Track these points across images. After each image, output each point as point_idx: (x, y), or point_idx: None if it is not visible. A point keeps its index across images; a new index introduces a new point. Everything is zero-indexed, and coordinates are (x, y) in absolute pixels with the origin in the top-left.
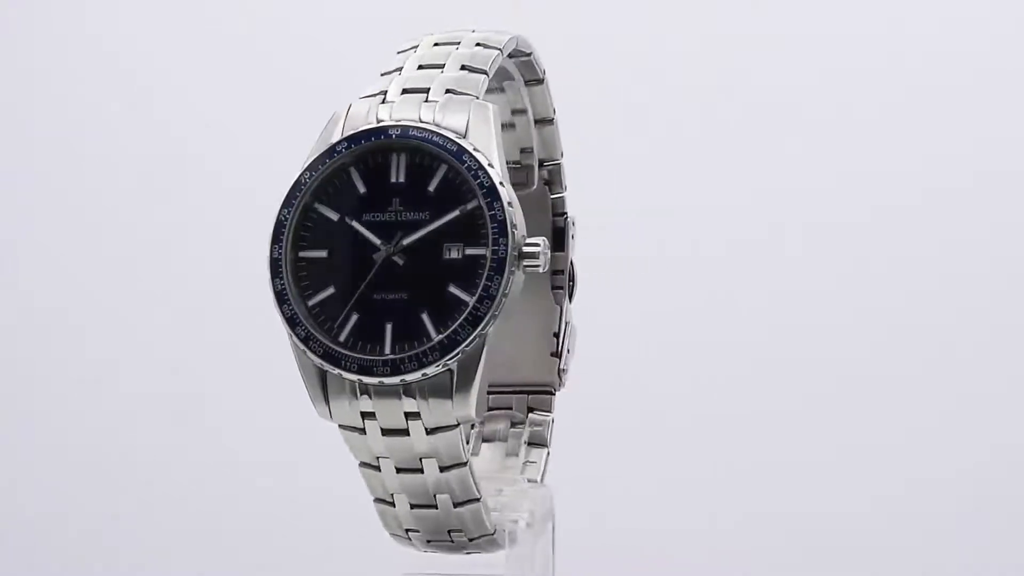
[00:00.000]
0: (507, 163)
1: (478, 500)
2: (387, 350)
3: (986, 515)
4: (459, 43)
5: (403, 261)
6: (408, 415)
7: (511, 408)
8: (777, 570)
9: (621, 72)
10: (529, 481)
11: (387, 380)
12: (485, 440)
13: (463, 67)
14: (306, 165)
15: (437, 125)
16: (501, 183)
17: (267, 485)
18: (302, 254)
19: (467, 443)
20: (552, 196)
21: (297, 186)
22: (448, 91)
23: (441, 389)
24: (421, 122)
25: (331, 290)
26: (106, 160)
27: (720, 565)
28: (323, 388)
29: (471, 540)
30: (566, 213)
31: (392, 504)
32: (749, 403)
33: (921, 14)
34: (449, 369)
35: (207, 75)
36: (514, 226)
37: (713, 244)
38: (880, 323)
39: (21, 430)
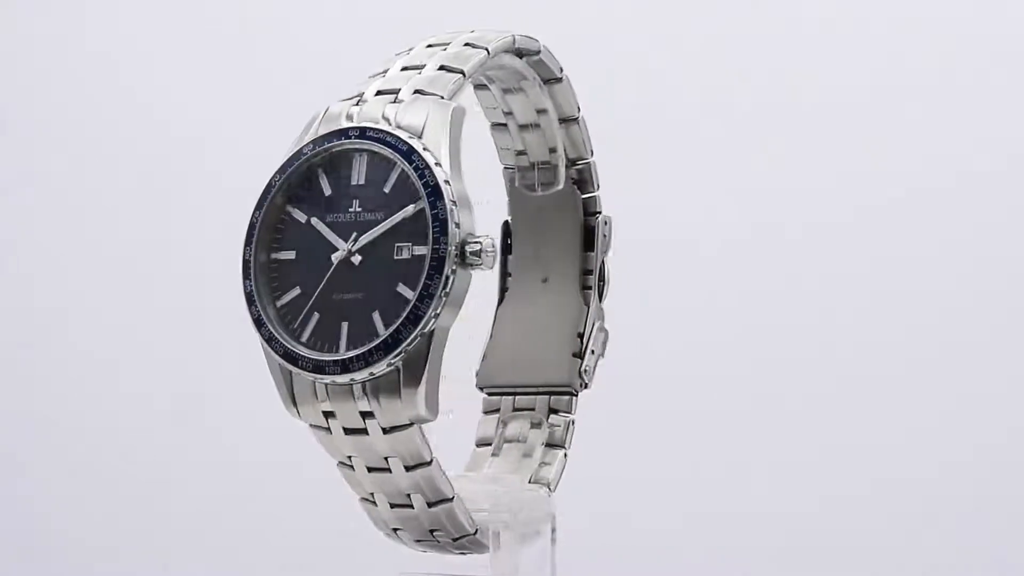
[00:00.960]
0: (536, 163)
1: (450, 500)
2: (342, 349)
3: (988, 515)
4: (449, 44)
5: (359, 262)
6: (363, 415)
7: (534, 409)
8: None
9: (624, 71)
10: (532, 483)
11: (338, 379)
12: (507, 441)
13: (441, 67)
14: (278, 167)
15: (396, 126)
16: (447, 181)
17: (265, 484)
18: (274, 256)
19: (428, 441)
20: (584, 196)
21: (267, 188)
22: (416, 91)
23: (389, 388)
24: (382, 122)
25: (297, 291)
26: (107, 160)
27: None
28: (290, 388)
29: (454, 540)
30: (599, 212)
31: (375, 503)
32: (750, 404)
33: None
34: (396, 368)
35: (211, 77)
36: (457, 225)
37: (710, 245)
38: (885, 323)
39: (21, 430)
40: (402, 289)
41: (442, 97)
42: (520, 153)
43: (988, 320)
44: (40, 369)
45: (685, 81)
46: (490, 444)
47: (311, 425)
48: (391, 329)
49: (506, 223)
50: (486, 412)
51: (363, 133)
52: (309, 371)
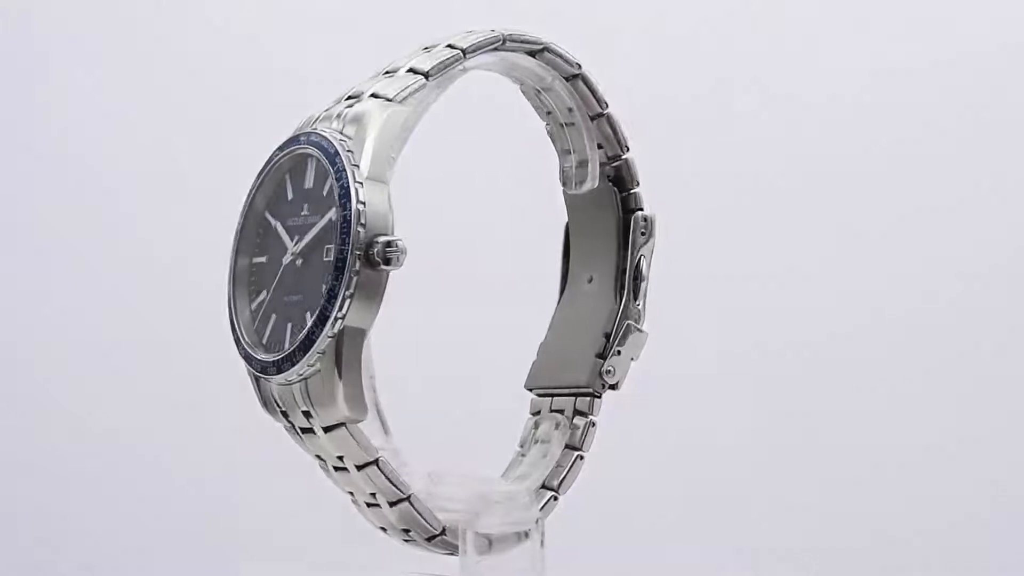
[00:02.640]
0: (578, 162)
1: (406, 499)
2: (285, 350)
3: None
4: (437, 45)
5: (300, 264)
6: (306, 415)
7: (563, 411)
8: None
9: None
10: (544, 487)
11: (275, 379)
12: (536, 442)
13: (409, 69)
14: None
15: (339, 130)
16: (360, 183)
17: (271, 484)
18: (254, 260)
19: (369, 440)
20: (621, 193)
21: (248, 194)
22: (372, 95)
23: (316, 388)
24: (334, 125)
25: (264, 294)
26: (111, 160)
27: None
28: (259, 390)
29: (428, 540)
30: (637, 210)
31: (358, 503)
32: (750, 404)
33: None
34: (318, 369)
35: (225, 78)
36: (362, 226)
37: (702, 249)
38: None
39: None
40: (324, 290)
41: (388, 99)
42: (567, 152)
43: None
44: (40, 369)
45: (700, 82)
46: (523, 445)
47: (284, 426)
48: (305, 331)
49: (567, 225)
50: (531, 413)
51: (309, 138)
52: (258, 371)
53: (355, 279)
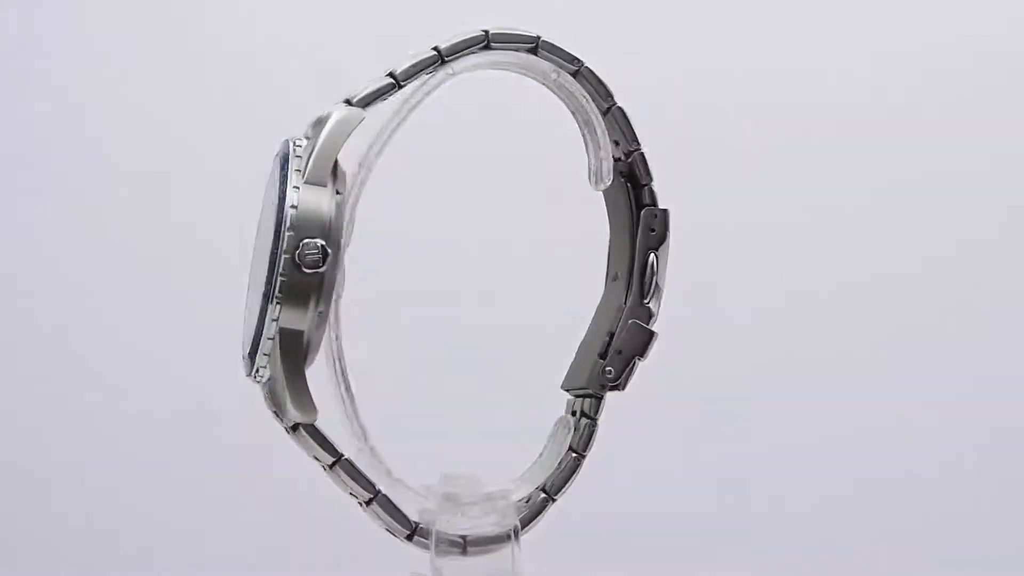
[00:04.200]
0: (595, 159)
1: (374, 499)
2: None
3: None
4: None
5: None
6: (275, 415)
7: (576, 412)
8: None
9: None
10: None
11: (250, 379)
12: (553, 442)
13: (388, 73)
14: None
15: (304, 134)
16: (296, 187)
17: (284, 483)
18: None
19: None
20: (634, 189)
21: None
22: (345, 100)
23: (274, 390)
24: (306, 132)
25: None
26: (128, 162)
27: None
28: (263, 391)
29: (408, 538)
30: (648, 206)
31: None
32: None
33: None
34: (271, 372)
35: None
36: (290, 229)
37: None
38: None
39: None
40: (262, 293)
41: (350, 103)
42: (589, 148)
43: None
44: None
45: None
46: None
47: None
48: (252, 334)
49: None
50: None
51: (285, 145)
52: (244, 372)
53: (284, 282)
